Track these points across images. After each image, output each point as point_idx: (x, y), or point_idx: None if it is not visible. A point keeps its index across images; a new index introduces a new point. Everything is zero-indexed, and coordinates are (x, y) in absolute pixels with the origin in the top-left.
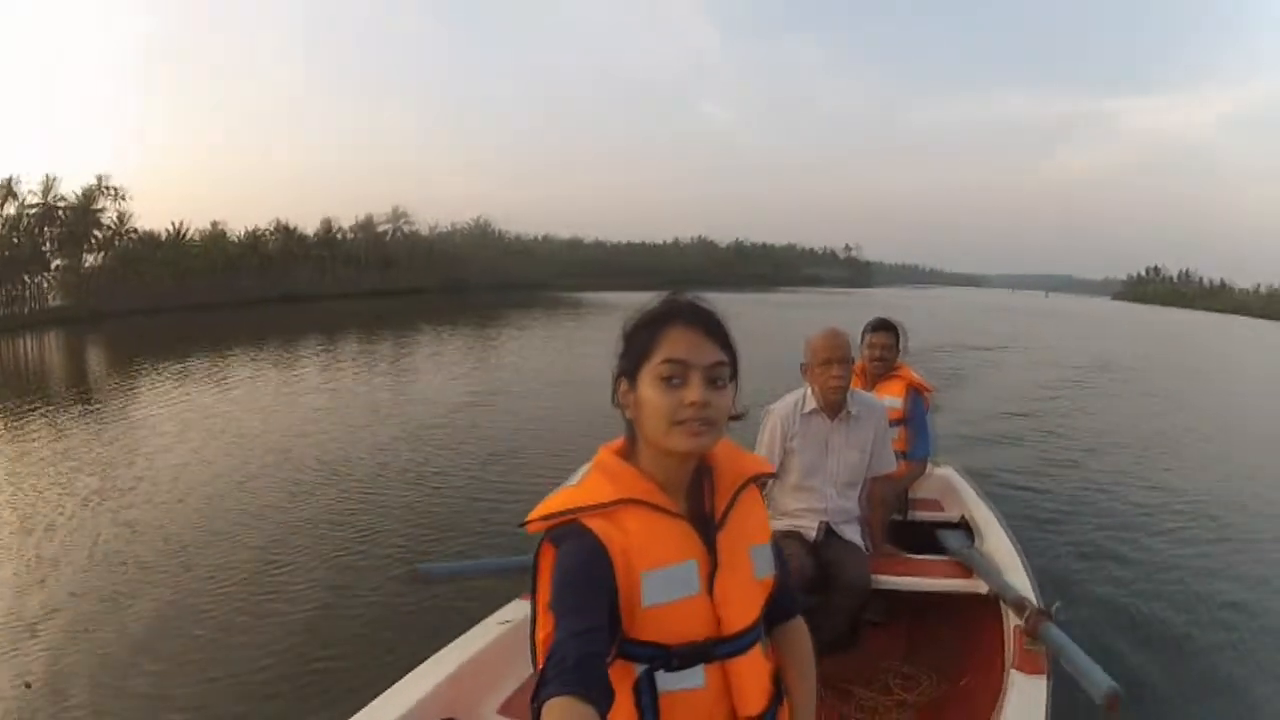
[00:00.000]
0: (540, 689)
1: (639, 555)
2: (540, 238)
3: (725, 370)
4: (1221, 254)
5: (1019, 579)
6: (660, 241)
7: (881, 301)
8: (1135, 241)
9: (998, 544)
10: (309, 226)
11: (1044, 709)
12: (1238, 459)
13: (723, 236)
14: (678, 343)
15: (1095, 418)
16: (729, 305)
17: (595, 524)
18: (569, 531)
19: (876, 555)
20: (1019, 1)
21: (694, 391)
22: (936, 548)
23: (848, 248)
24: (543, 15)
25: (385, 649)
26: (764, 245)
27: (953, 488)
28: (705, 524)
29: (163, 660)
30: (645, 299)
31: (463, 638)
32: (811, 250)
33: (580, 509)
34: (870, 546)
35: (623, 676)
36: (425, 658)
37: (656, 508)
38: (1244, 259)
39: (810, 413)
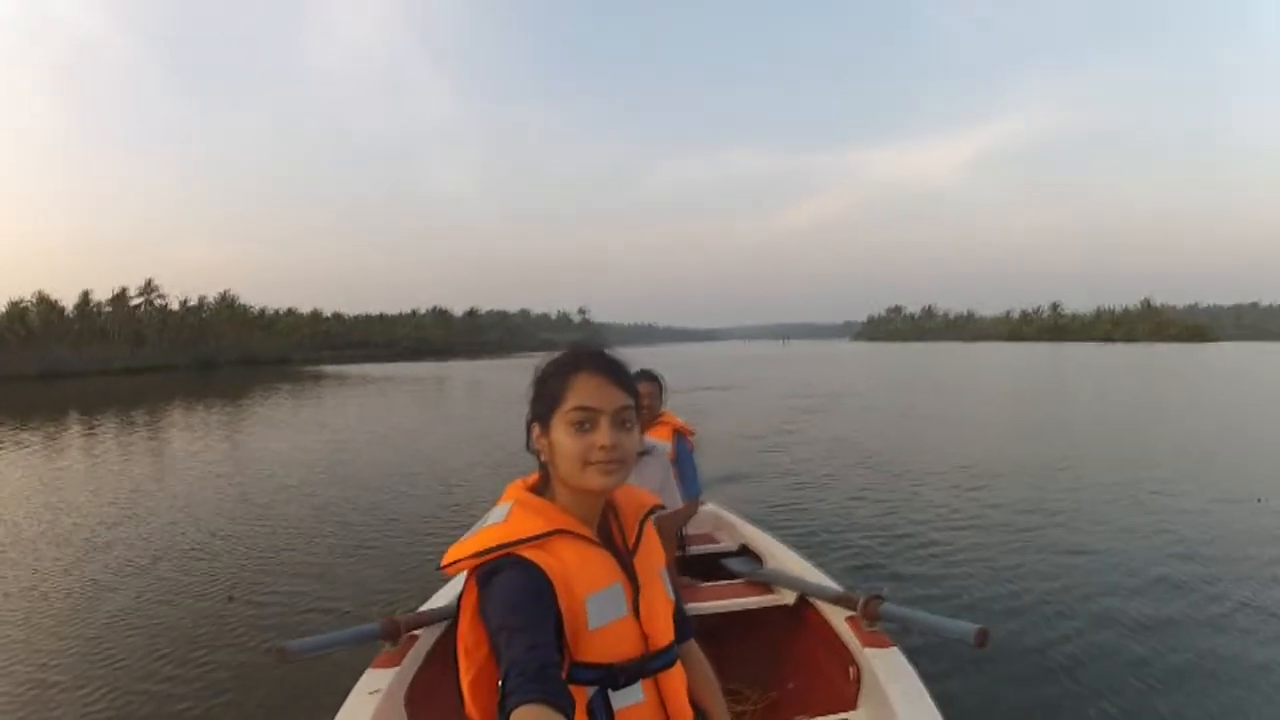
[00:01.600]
0: (505, 700)
1: (578, 581)
2: (283, 311)
3: (631, 413)
4: (969, 287)
5: (828, 582)
6: (398, 312)
7: None
8: (879, 284)
9: (787, 559)
10: (64, 298)
11: (913, 672)
12: (961, 445)
13: (459, 304)
14: (586, 390)
15: (824, 437)
16: (469, 373)
17: (532, 554)
18: (507, 563)
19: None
20: (750, 59)
21: (604, 435)
22: (725, 575)
23: (581, 311)
24: (282, 73)
25: None
26: (499, 312)
27: (724, 521)
28: (618, 552)
29: None
30: (387, 370)
31: (341, 715)
32: (545, 315)
33: (516, 542)
34: None
35: (576, 700)
36: None
37: (583, 538)
38: (991, 290)
39: None
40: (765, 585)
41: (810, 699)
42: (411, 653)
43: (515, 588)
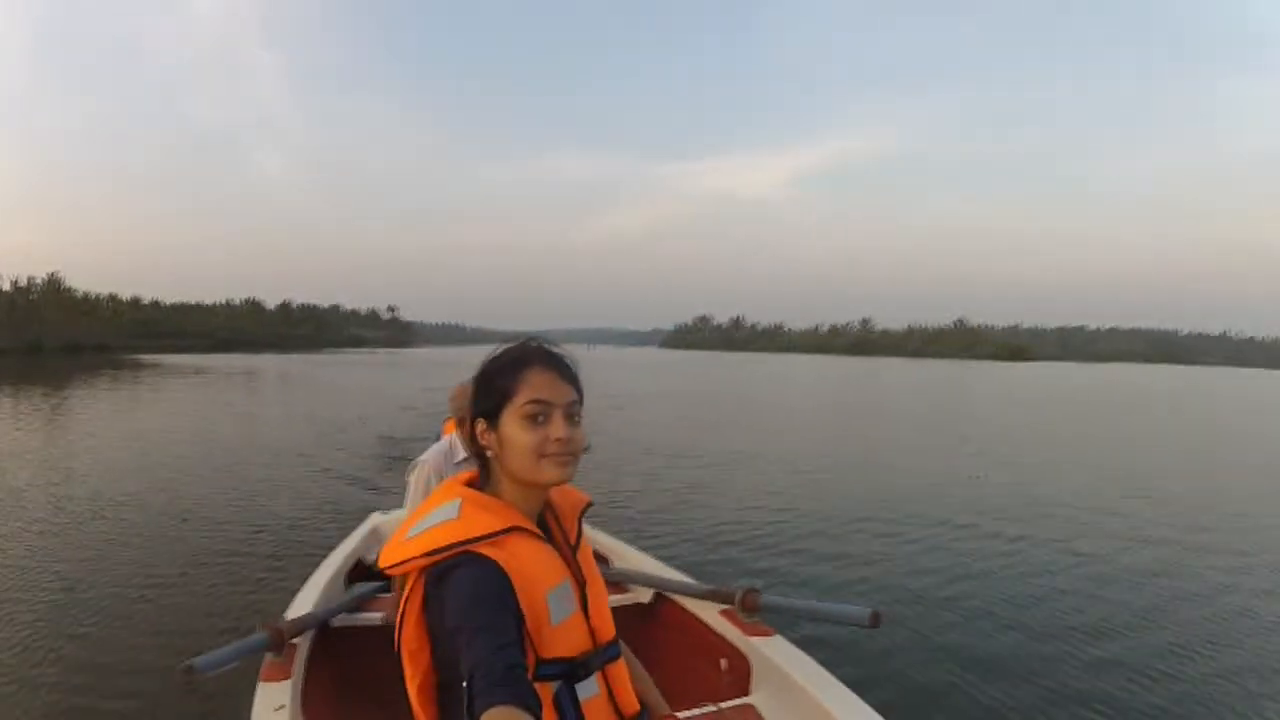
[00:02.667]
0: (472, 703)
1: (536, 578)
2: (107, 297)
3: (578, 408)
4: (783, 301)
5: (688, 579)
6: (214, 302)
7: (422, 359)
8: (692, 293)
9: (639, 560)
10: None
11: (803, 654)
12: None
13: (272, 297)
14: (539, 384)
15: (638, 434)
16: (282, 366)
17: (489, 552)
18: (462, 561)
19: None
20: (589, 65)
21: (559, 428)
22: None
23: (390, 309)
24: (116, 51)
25: None
26: (311, 307)
27: None
28: (559, 547)
29: None
30: (202, 362)
31: None
32: (355, 311)
33: (472, 539)
34: None
35: (541, 696)
36: None
37: (535, 535)
38: (804, 304)
39: (461, 461)
40: (616, 585)
41: (684, 693)
42: (296, 662)
43: (476, 586)
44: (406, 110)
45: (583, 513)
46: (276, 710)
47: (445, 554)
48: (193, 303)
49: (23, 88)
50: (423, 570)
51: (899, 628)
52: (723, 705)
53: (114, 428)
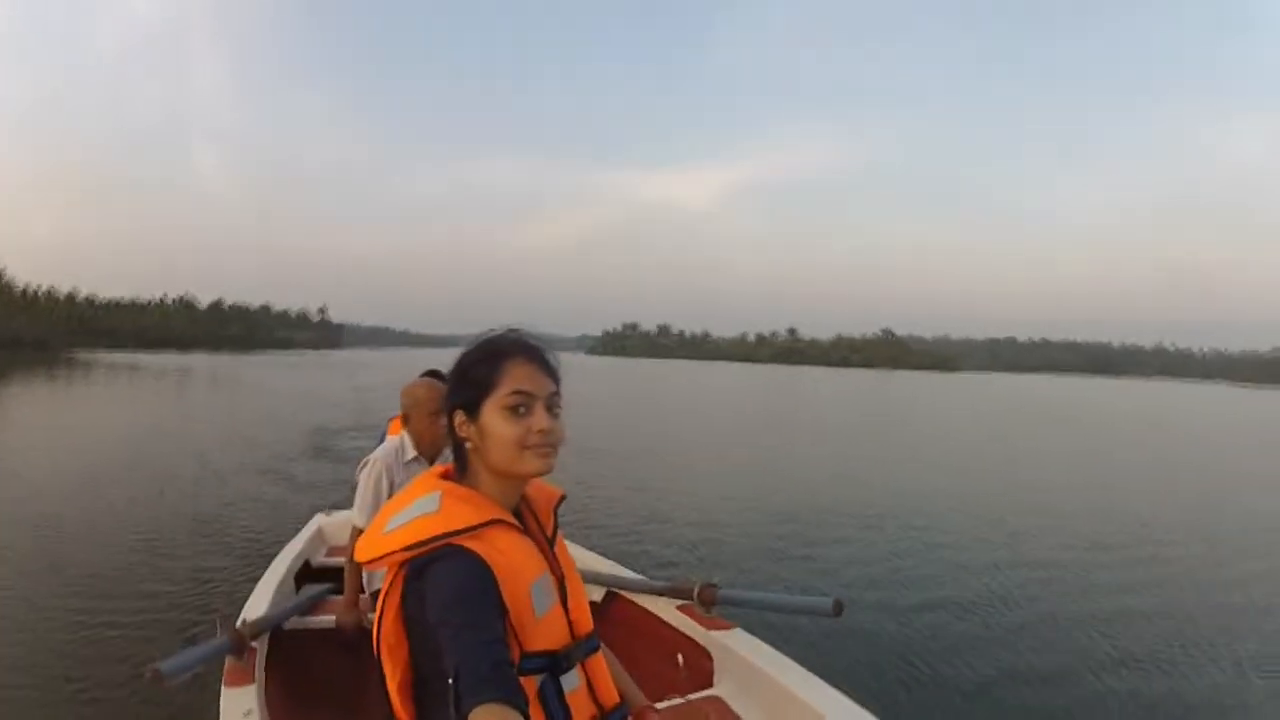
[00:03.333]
0: (460, 700)
1: (520, 571)
2: (44, 292)
3: (558, 400)
4: (709, 310)
5: (640, 577)
6: (148, 299)
7: (351, 361)
8: (619, 300)
9: (590, 560)
10: None
11: (764, 644)
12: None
13: (205, 293)
14: (520, 375)
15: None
16: (213, 367)
17: (471, 545)
18: (443, 554)
19: None
20: (526, 71)
21: (541, 419)
22: None
23: (321, 310)
24: (50, 44)
25: None
26: (242, 307)
27: None
28: (536, 541)
29: None
30: (136, 359)
31: None
32: (285, 312)
33: (454, 532)
34: None
35: (526, 689)
36: None
37: (515, 527)
38: (731, 314)
39: (412, 460)
40: None
41: (644, 689)
42: (256, 665)
43: (459, 580)
44: (344, 110)
45: (557, 506)
46: (245, 715)
47: (426, 547)
48: (127, 299)
49: None
50: (402, 564)
51: (861, 616)
52: (690, 697)
53: (53, 425)
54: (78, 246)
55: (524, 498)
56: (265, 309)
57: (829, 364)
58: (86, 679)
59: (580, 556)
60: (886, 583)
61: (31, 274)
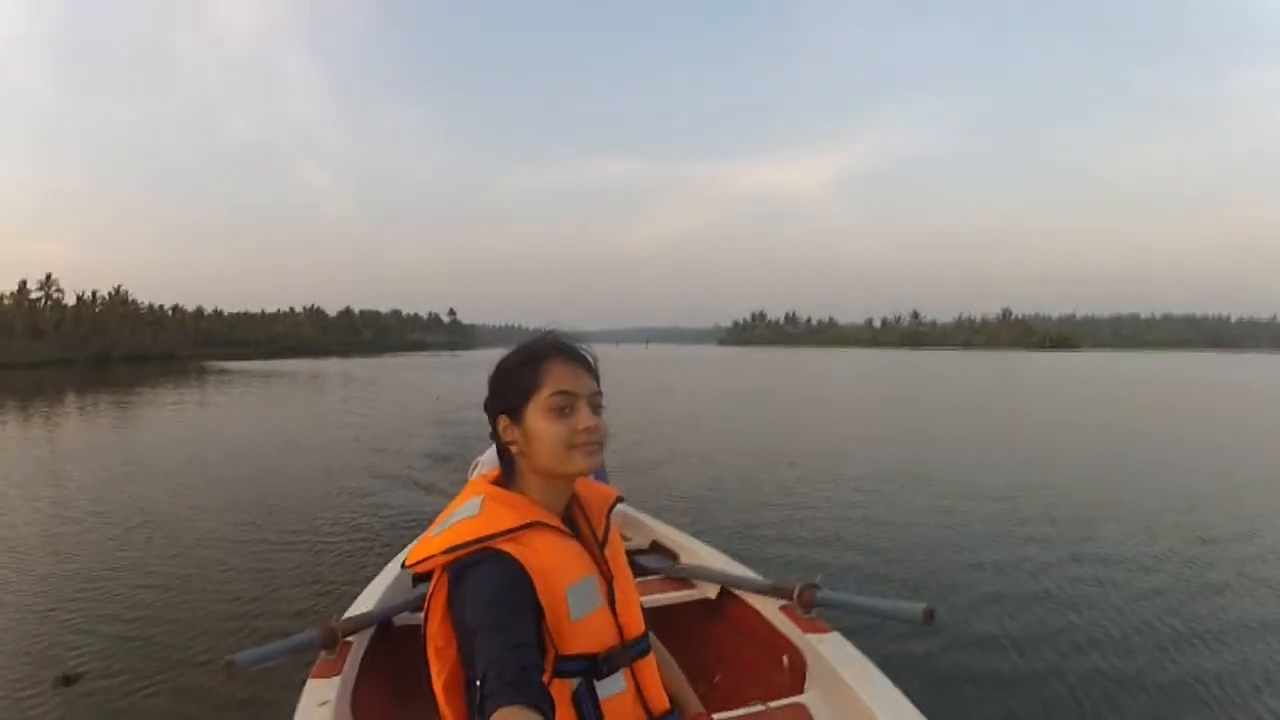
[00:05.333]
0: (484, 703)
1: (557, 573)
2: (171, 308)
3: (600, 399)
4: (831, 296)
5: (750, 573)
6: (275, 310)
7: (486, 361)
8: (745, 290)
9: (705, 554)
10: None
11: (858, 653)
12: (837, 436)
13: (333, 304)
14: (563, 376)
15: (690, 428)
16: (345, 369)
17: (509, 548)
18: (482, 558)
19: None
20: (622, 68)
21: (585, 418)
22: (640, 572)
23: (451, 312)
24: (151, 67)
25: None
26: (372, 312)
27: (631, 518)
28: (587, 543)
29: None
30: (271, 367)
31: None
32: (416, 315)
33: (491, 535)
34: None
35: (560, 692)
36: None
37: (557, 530)
38: (852, 298)
39: None
40: (683, 580)
41: (742, 689)
42: (349, 660)
43: (493, 583)
44: (447, 117)
45: (611, 508)
46: (320, 706)
47: (465, 550)
48: (256, 311)
49: (45, 97)
50: (445, 567)
51: (955, 626)
52: (771, 704)
53: (186, 428)
54: (184, 265)
55: (576, 499)
56: (396, 314)
57: (951, 346)
58: (184, 666)
59: (696, 551)
60: (1009, 591)
61: (148, 294)
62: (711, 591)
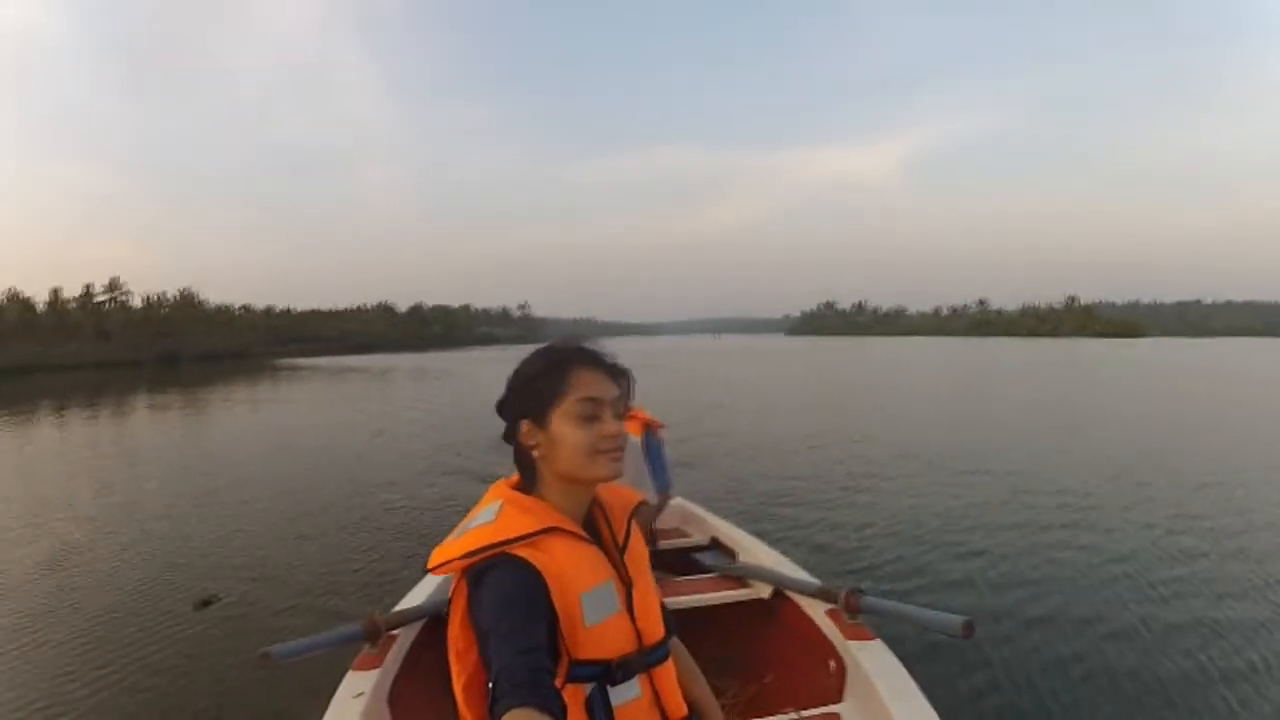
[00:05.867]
0: (495, 705)
1: (572, 578)
2: (239, 308)
3: (622, 405)
4: (898, 284)
5: (804, 575)
6: (344, 307)
7: None
8: (813, 279)
9: (762, 553)
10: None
11: (898, 663)
12: (917, 439)
13: (402, 299)
14: (589, 382)
15: (753, 423)
16: (420, 364)
17: (524, 553)
18: (498, 562)
19: None
20: (683, 59)
21: (610, 425)
22: (696, 569)
23: (521, 306)
24: (212, 70)
25: None
26: (443, 307)
27: (693, 515)
28: (607, 548)
29: None
30: (344, 362)
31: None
32: (486, 310)
33: (507, 541)
34: None
35: (573, 698)
36: None
37: (573, 535)
38: (919, 286)
39: None
40: (739, 579)
41: (789, 692)
42: (392, 653)
43: (507, 588)
44: (510, 112)
45: (634, 512)
46: (355, 697)
47: (482, 555)
48: (325, 309)
49: (94, 100)
50: (464, 571)
51: (996, 640)
52: (805, 713)
53: (261, 422)
54: (253, 265)
55: (599, 503)
56: (466, 308)
57: (1018, 334)
58: (231, 655)
59: (754, 550)
60: (1060, 605)
61: (216, 294)
62: (765, 592)
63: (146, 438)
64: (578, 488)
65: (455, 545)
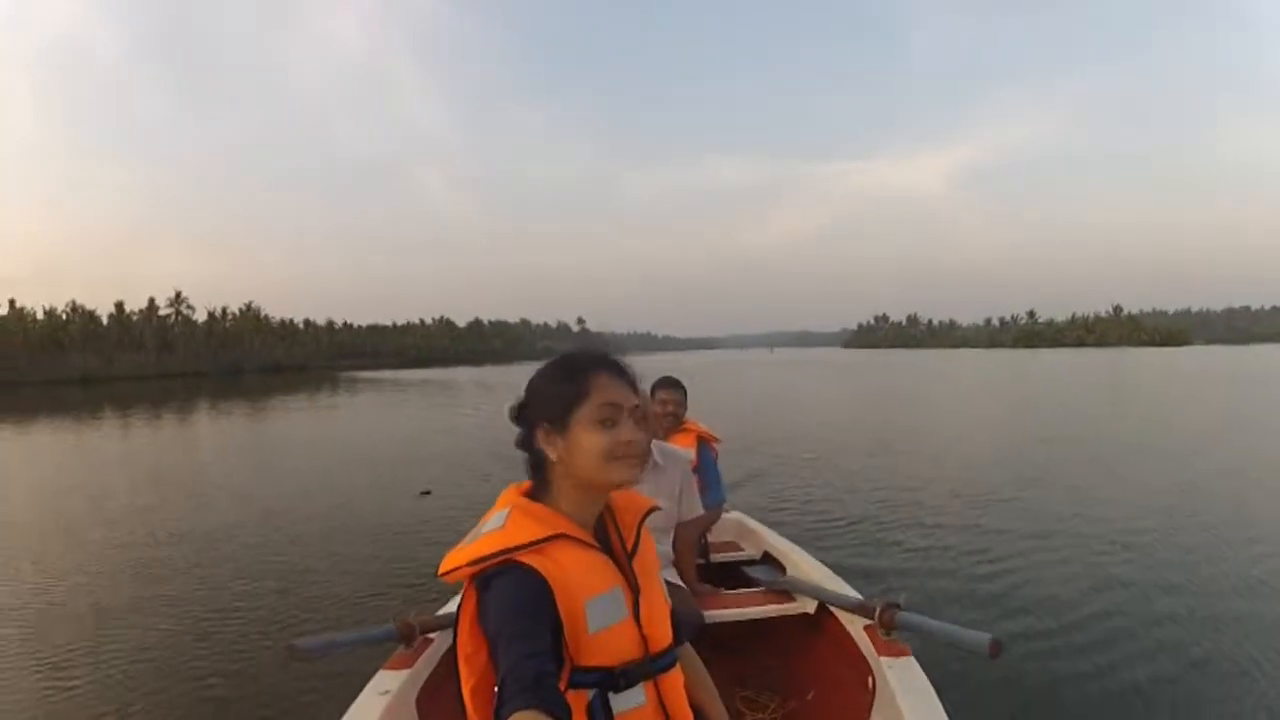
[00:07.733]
0: (500, 707)
1: (577, 585)
2: (302, 322)
3: (640, 412)
4: (950, 296)
5: (847, 590)
6: (405, 321)
7: None
8: (867, 292)
9: (809, 568)
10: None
11: (927, 683)
12: (962, 455)
13: (460, 313)
14: (608, 388)
15: (809, 437)
16: (482, 378)
17: (531, 560)
18: (504, 569)
19: (694, 595)
20: (736, 71)
21: (629, 430)
22: (746, 582)
23: (580, 320)
24: (261, 84)
25: None
26: (501, 322)
27: (747, 528)
28: (616, 555)
29: None
30: (406, 376)
31: (351, 714)
32: (545, 324)
33: (514, 548)
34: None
35: (574, 704)
36: None
37: (581, 542)
38: (971, 298)
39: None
40: (786, 593)
41: (829, 708)
42: (425, 656)
43: (513, 594)
44: (566, 124)
45: (644, 517)
46: (381, 694)
47: (489, 562)
48: (385, 324)
49: (150, 114)
50: (473, 578)
51: (1024, 660)
52: None
53: (319, 431)
54: (313, 279)
55: (610, 509)
56: (524, 323)
57: (1065, 344)
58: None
59: (800, 562)
60: (1094, 625)
61: (278, 308)
62: (810, 606)
63: (272, 439)
64: (591, 493)
65: (464, 552)
